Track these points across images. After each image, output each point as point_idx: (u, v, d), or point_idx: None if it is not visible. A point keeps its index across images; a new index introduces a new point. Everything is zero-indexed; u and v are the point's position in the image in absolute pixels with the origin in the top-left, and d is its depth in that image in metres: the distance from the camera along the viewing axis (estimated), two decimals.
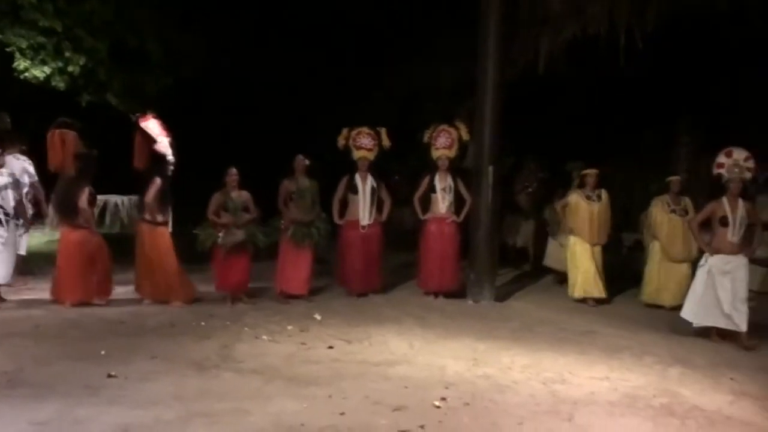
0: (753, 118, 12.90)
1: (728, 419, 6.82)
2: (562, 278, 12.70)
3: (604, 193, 12.00)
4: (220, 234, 10.50)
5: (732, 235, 9.34)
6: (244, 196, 10.74)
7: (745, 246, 9.44)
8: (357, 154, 11.43)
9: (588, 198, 11.89)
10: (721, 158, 9.51)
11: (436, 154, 11.61)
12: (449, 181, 11.54)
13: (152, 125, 10.41)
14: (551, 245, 13.25)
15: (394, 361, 8.13)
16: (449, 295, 11.51)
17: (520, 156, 15.14)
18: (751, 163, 9.43)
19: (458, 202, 11.66)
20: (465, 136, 11.61)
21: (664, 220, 11.68)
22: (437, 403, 6.79)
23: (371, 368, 7.84)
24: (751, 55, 12.17)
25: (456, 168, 11.86)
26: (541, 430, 6.31)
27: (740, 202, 9.43)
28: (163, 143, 10.36)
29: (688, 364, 8.49)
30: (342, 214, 11.47)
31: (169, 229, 10.43)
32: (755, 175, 9.76)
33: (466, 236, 11.64)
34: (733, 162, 9.42)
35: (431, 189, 11.56)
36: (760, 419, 6.88)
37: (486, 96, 11.32)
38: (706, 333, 9.71)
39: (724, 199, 9.45)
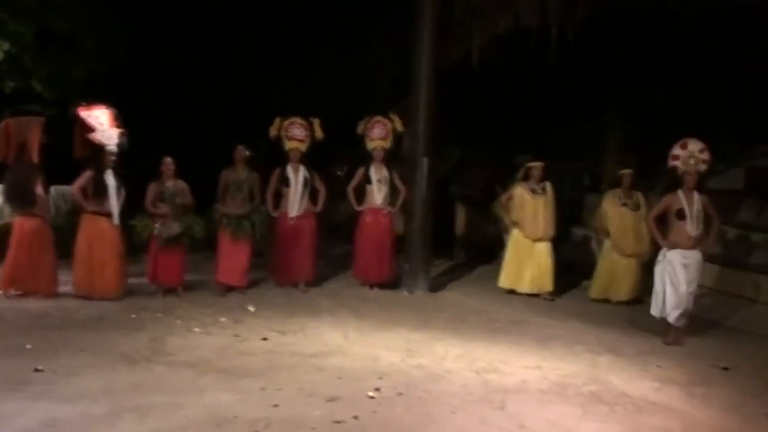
0: (680, 111, 13.15)
1: (654, 405, 6.98)
2: None
3: (549, 186, 11.92)
4: (157, 225, 10.34)
5: (691, 228, 9.11)
6: (180, 185, 10.59)
7: (702, 240, 9.22)
8: (288, 145, 11.30)
9: (533, 191, 11.81)
10: (677, 150, 9.31)
11: (371, 145, 11.58)
12: (384, 172, 11.52)
13: (96, 115, 10.16)
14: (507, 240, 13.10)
15: (328, 353, 8.11)
16: (384, 286, 11.52)
17: (468, 149, 15.10)
18: (706, 155, 9.23)
19: (393, 194, 11.67)
20: (399, 127, 11.60)
21: (615, 214, 11.60)
22: (371, 394, 6.79)
23: (305, 360, 7.81)
24: (677, 48, 12.38)
25: (392, 159, 11.85)
26: (473, 419, 6.35)
27: (696, 195, 9.21)
28: (104, 134, 10.11)
29: (617, 353, 8.65)
30: (276, 206, 11.36)
31: (115, 220, 10.15)
32: (709, 167, 9.44)
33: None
34: (689, 154, 9.23)
35: (366, 180, 11.53)
36: (685, 405, 7.05)
37: (420, 87, 11.33)
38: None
39: (680, 192, 9.22)
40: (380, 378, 7.28)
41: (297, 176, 11.20)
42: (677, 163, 9.27)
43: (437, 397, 6.85)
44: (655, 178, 14.08)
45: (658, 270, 9.29)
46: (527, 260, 11.71)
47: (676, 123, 12.83)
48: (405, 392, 6.92)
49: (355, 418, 6.22)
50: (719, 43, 12.14)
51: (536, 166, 11.86)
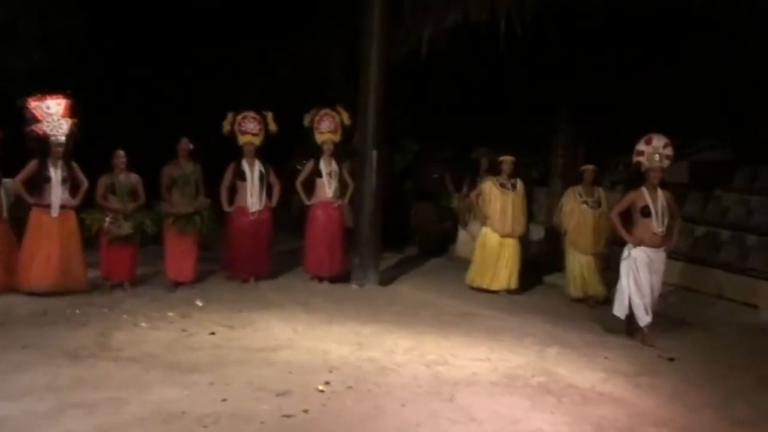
0: (626, 106, 13.29)
1: (601, 396, 7.07)
2: None
3: (519, 183, 11.62)
4: (107, 218, 10.17)
5: (656, 225, 8.84)
6: (133, 179, 10.44)
7: (666, 238, 8.99)
8: (242, 140, 11.19)
9: (503, 186, 11.48)
10: (641, 146, 9.02)
11: (320, 138, 11.50)
12: (334, 165, 11.47)
13: (46, 106, 9.95)
14: (461, 235, 13.03)
15: (277, 347, 8.08)
16: (334, 279, 11.48)
17: (426, 143, 15.00)
18: (670, 151, 9.02)
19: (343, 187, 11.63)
20: (347, 120, 11.55)
21: (575, 211, 11.18)
22: (321, 388, 6.79)
23: (254, 354, 7.78)
24: (622, 44, 12.51)
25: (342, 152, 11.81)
26: (423, 411, 6.37)
27: (660, 192, 8.95)
28: (51, 124, 9.90)
29: (565, 344, 8.73)
30: (230, 201, 11.23)
31: (54, 212, 9.96)
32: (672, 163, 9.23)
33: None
34: (653, 150, 8.97)
35: (316, 174, 11.46)
36: (631, 395, 7.14)
37: (369, 80, 11.29)
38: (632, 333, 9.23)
39: (644, 189, 8.93)
40: (330, 371, 7.27)
41: (252, 170, 11.09)
42: (641, 158, 9.01)
43: (387, 390, 6.85)
44: (604, 173, 14.25)
45: (624, 267, 9.02)
46: (495, 257, 11.44)
47: (623, 117, 13.01)
48: (355, 385, 6.92)
49: (305, 411, 6.21)
50: (664, 38, 12.30)
51: (506, 160, 11.51)
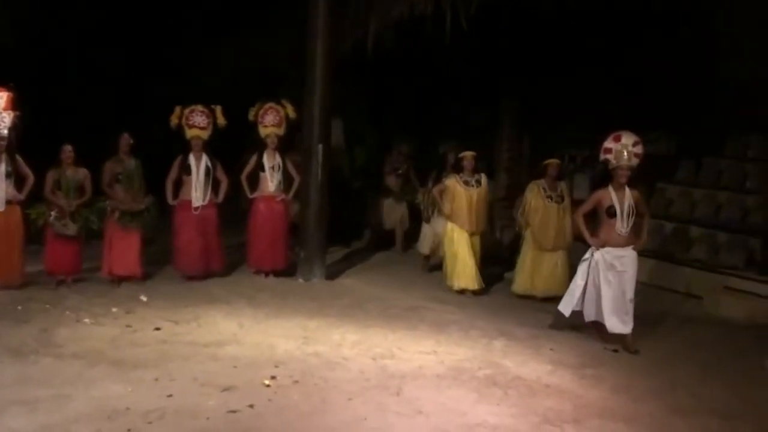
0: (572, 100, 13.44)
1: (547, 387, 7.16)
2: (432, 265, 12.39)
3: (483, 178, 11.25)
4: (53, 213, 10.01)
5: (621, 226, 8.47)
6: (80, 174, 10.27)
7: (633, 238, 8.62)
8: (190, 133, 11.04)
9: (466, 183, 11.08)
10: (609, 143, 8.59)
11: (264, 132, 11.41)
12: (278, 159, 11.39)
13: None
14: (424, 230, 12.60)
15: (223, 342, 8.03)
16: (279, 274, 11.42)
17: (386, 136, 14.81)
18: (639, 149, 8.58)
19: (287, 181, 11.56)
20: (291, 114, 11.48)
21: (539, 206, 10.86)
22: (267, 382, 6.78)
23: (200, 349, 7.73)
24: (570, 36, 12.64)
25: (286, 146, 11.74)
26: (370, 405, 6.38)
27: (627, 191, 8.55)
28: None
29: (512, 337, 8.80)
30: (176, 195, 11.10)
31: (1, 207, 9.78)
32: (642, 162, 8.73)
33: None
34: (622, 147, 8.53)
35: (260, 168, 11.38)
36: (576, 387, 7.24)
37: (315, 73, 11.23)
38: (579, 327, 9.08)
39: (611, 188, 8.55)
40: (276, 366, 7.25)
41: (199, 165, 10.97)
42: (609, 156, 8.59)
43: (334, 384, 6.86)
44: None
45: (582, 268, 8.78)
46: (464, 254, 11.04)
47: (568, 111, 13.17)
48: (301, 380, 6.92)
49: (251, 406, 6.19)
50: (611, 32, 12.44)
51: (467, 156, 11.14)
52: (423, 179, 13.08)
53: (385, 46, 12.49)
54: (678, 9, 11.58)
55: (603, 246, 8.59)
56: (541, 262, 10.91)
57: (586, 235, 8.76)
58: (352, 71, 13.03)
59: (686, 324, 9.76)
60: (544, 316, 9.80)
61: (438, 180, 11.74)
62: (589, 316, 8.80)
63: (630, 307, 8.50)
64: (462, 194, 11.02)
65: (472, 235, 11.10)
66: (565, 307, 8.94)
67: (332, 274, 11.70)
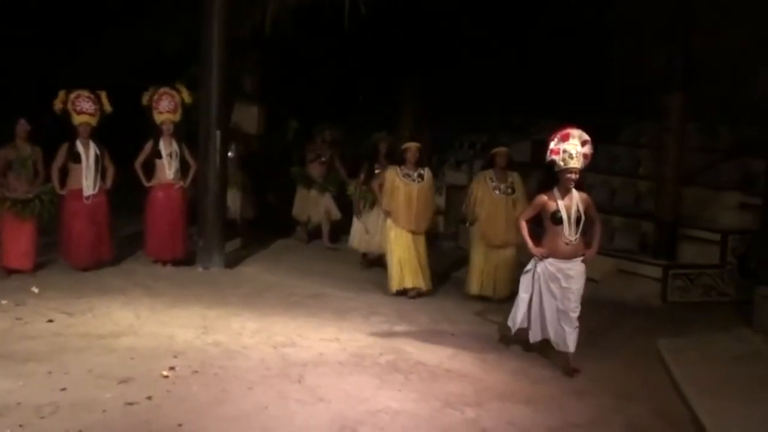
0: (471, 87, 13.58)
1: (448, 372, 7.24)
2: (370, 262, 11.77)
3: (427, 173, 10.32)
4: None
5: (568, 234, 7.49)
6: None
7: (582, 248, 7.64)
8: (78, 120, 10.70)
9: (407, 176, 10.15)
10: (556, 143, 7.51)
11: (159, 118, 11.13)
12: (174, 146, 11.15)
13: None
14: (355, 225, 11.95)
15: (119, 333, 7.87)
16: (179, 263, 11.21)
17: (308, 121, 14.03)
18: (588, 149, 7.58)
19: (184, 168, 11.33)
20: (187, 99, 11.25)
21: (486, 199, 10.09)
22: (165, 373, 6.68)
23: (95, 341, 7.56)
24: (466, 25, 12.77)
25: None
26: (270, 393, 6.34)
27: (576, 195, 7.56)
28: None
29: (413, 323, 8.86)
30: (63, 184, 10.76)
31: None
32: (588, 163, 7.75)
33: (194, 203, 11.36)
34: (571, 147, 7.43)
35: (156, 155, 11.13)
36: (477, 371, 7.35)
37: (212, 57, 11.02)
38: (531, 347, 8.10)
39: (556, 192, 7.57)
40: (175, 356, 7.15)
41: (88, 152, 10.65)
42: (556, 158, 7.48)
43: (234, 374, 6.80)
44: (448, 152, 14.53)
45: (525, 280, 7.82)
46: (401, 255, 10.15)
47: (468, 98, 13.30)
48: (201, 370, 6.84)
49: (149, 398, 6.09)
50: (507, 21, 12.62)
51: (411, 147, 10.23)
52: (352, 170, 12.49)
53: (284, 31, 12.36)
54: None
55: (547, 257, 7.62)
56: (490, 260, 10.14)
57: (529, 244, 7.76)
58: (270, 55, 12.83)
59: (583, 307, 9.92)
60: (446, 302, 9.87)
61: (370, 171, 11.21)
62: (536, 335, 7.84)
63: (573, 325, 7.49)
64: (401, 189, 10.11)
65: (414, 234, 10.19)
66: (512, 323, 7.96)
67: (232, 262, 11.54)
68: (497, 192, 10.10)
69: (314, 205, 13.32)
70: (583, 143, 7.53)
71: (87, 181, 10.64)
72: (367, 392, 6.55)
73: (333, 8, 11.58)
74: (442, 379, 7.05)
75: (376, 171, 11.09)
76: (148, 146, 11.15)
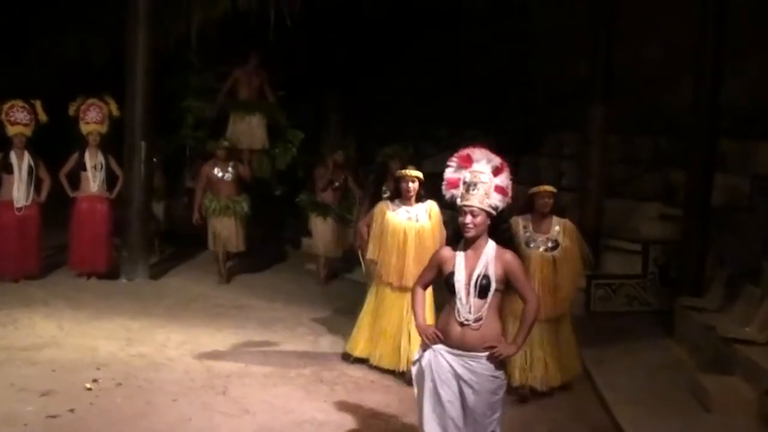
0: (397, 97, 13.71)
1: (372, 383, 7.35)
2: (329, 274, 11.52)
3: (433, 209, 7.68)
4: None
5: (462, 310, 4.73)
6: None
7: (490, 336, 4.76)
8: (12, 130, 10.55)
9: (402, 213, 7.68)
10: (454, 170, 5.05)
11: (86, 129, 11.02)
12: (100, 157, 11.04)
13: None
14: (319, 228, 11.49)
15: (41, 345, 7.79)
16: (102, 276, 11.08)
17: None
18: (504, 180, 4.92)
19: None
20: (115, 111, 11.15)
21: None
22: (88, 386, 6.65)
23: (16, 353, 7.47)
24: (393, 36, 12.92)
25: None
26: (195, 405, 6.36)
27: (491, 249, 4.81)
28: None
29: (338, 334, 8.86)
30: None
31: None
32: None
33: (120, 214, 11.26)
34: (473, 177, 4.86)
35: (80, 166, 11.00)
36: (400, 382, 7.39)
37: (136, 67, 10.96)
38: None
39: (463, 242, 4.89)
40: (98, 369, 7.11)
41: (21, 163, 10.52)
42: (454, 192, 4.95)
43: (158, 386, 6.79)
44: (371, 165, 14.56)
45: (414, 373, 5.04)
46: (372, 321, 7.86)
47: (391, 108, 13.42)
48: (124, 382, 6.81)
49: (71, 411, 6.06)
50: (431, 31, 12.80)
51: (406, 175, 7.62)
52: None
53: (208, 41, 12.36)
54: (496, 10, 12.04)
55: (438, 341, 4.83)
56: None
57: (418, 318, 5.10)
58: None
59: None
60: None
61: (374, 196, 8.77)
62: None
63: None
64: (390, 230, 7.62)
65: (404, 291, 7.36)
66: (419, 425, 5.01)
67: (157, 273, 11.46)
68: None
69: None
70: (496, 171, 4.89)
71: (18, 192, 10.50)
72: (292, 403, 6.61)
73: (259, 19, 11.64)
74: (367, 390, 7.14)
75: (385, 195, 8.49)
76: (73, 158, 11.02)
